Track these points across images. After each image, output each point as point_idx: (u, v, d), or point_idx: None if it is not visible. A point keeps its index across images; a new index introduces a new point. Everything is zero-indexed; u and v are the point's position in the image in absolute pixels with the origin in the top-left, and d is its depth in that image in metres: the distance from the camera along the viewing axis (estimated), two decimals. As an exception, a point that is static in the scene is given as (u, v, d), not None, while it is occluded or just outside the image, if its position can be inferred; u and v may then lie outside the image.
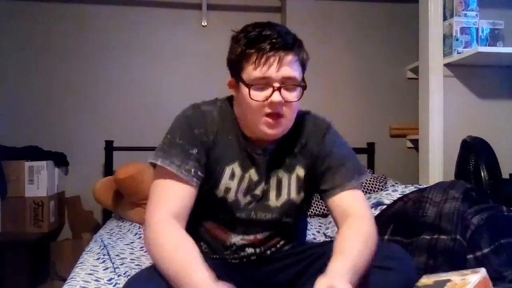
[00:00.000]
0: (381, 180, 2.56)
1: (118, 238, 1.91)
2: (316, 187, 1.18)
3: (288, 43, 1.03)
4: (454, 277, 0.95)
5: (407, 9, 2.90)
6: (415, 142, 2.82)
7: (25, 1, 2.84)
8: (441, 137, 2.25)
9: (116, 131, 2.83)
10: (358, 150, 2.90)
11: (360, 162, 1.20)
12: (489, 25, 2.21)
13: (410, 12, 2.73)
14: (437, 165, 2.25)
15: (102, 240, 1.83)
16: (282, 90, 1.03)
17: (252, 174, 1.14)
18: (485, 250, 1.26)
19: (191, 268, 0.92)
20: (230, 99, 1.18)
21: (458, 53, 2.18)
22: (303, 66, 1.09)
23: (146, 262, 1.56)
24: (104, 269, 1.43)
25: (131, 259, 1.58)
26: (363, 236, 1.01)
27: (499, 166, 1.94)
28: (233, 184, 1.13)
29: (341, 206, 1.10)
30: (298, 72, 1.06)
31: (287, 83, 1.04)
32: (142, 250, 1.75)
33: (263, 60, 1.02)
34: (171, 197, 1.04)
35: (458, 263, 1.24)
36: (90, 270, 1.41)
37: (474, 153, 1.94)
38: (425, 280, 1.01)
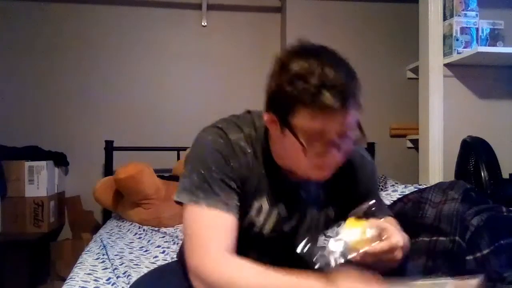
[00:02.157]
0: (381, 180, 2.56)
1: (118, 238, 1.91)
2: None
3: (353, 93, 0.86)
4: (452, 281, 0.95)
5: (407, 9, 2.90)
6: (415, 142, 2.81)
7: (25, 1, 2.84)
8: (441, 137, 2.25)
9: (116, 131, 2.83)
10: (358, 150, 2.91)
11: None
12: (489, 25, 2.21)
13: (410, 12, 2.73)
14: (437, 165, 2.24)
15: (101, 240, 1.83)
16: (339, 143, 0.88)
17: (281, 209, 1.02)
18: (485, 251, 1.26)
19: (294, 280, 0.83)
20: (249, 121, 1.03)
21: (458, 53, 2.18)
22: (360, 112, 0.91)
23: (145, 262, 1.57)
24: (103, 269, 1.43)
25: (130, 259, 1.58)
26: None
27: (499, 166, 1.93)
28: (259, 220, 1.02)
29: None
30: (357, 123, 0.90)
31: (346, 140, 0.89)
32: (141, 250, 1.75)
33: (327, 111, 0.84)
34: (221, 232, 0.90)
35: (457, 265, 1.24)
36: (89, 270, 1.42)
37: (474, 153, 1.94)
38: (422, 282, 1.01)
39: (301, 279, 0.83)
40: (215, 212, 0.90)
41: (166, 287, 0.95)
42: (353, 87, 0.87)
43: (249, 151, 0.98)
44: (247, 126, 1.01)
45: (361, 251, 0.87)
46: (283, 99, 0.88)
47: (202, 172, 0.93)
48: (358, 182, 1.07)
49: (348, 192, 1.06)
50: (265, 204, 1.01)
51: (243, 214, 0.99)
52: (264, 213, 1.01)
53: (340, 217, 1.06)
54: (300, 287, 0.82)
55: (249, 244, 0.99)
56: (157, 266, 1.40)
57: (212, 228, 0.90)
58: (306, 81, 0.85)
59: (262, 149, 0.99)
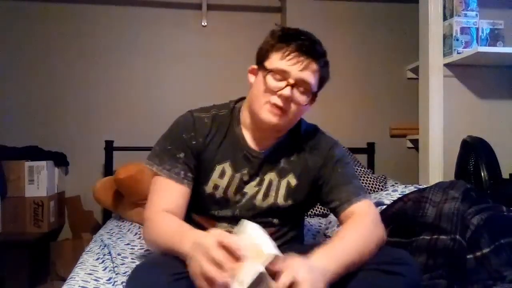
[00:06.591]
0: (381, 180, 2.55)
1: (118, 238, 1.91)
2: (318, 200, 1.26)
3: (318, 53, 1.14)
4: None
5: (407, 9, 2.90)
6: (415, 142, 2.82)
7: (25, 1, 2.84)
8: (441, 137, 2.25)
9: (116, 131, 2.84)
10: (358, 150, 2.91)
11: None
12: (489, 25, 2.21)
13: (410, 12, 2.73)
14: (437, 165, 2.25)
15: (102, 240, 1.83)
16: (294, 90, 1.12)
17: (244, 174, 1.21)
18: (485, 250, 1.26)
19: (183, 229, 1.02)
20: (227, 105, 1.27)
21: (458, 53, 2.18)
22: (321, 82, 1.18)
23: (146, 262, 1.56)
24: (104, 269, 1.43)
25: (131, 259, 1.58)
26: (361, 230, 1.05)
27: (499, 166, 1.94)
28: (223, 182, 1.21)
29: (350, 216, 1.14)
30: (315, 82, 1.15)
31: (301, 85, 1.13)
32: (142, 249, 1.75)
33: (291, 55, 1.11)
34: (165, 196, 1.15)
35: (458, 263, 1.24)
36: (90, 270, 1.41)
37: (474, 153, 1.94)
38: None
39: (187, 231, 1.01)
40: (161, 179, 1.16)
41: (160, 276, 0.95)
42: (320, 52, 1.15)
43: (209, 124, 1.22)
44: (217, 108, 1.27)
45: None
46: (263, 48, 1.17)
47: (161, 143, 1.22)
48: (314, 155, 1.23)
49: (306, 163, 1.23)
50: (228, 169, 1.21)
51: (206, 175, 1.21)
52: (228, 176, 1.21)
53: (304, 189, 1.23)
54: (182, 234, 0.98)
55: (217, 203, 1.22)
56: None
57: (157, 191, 1.16)
58: (283, 33, 1.15)
59: (227, 125, 1.23)
